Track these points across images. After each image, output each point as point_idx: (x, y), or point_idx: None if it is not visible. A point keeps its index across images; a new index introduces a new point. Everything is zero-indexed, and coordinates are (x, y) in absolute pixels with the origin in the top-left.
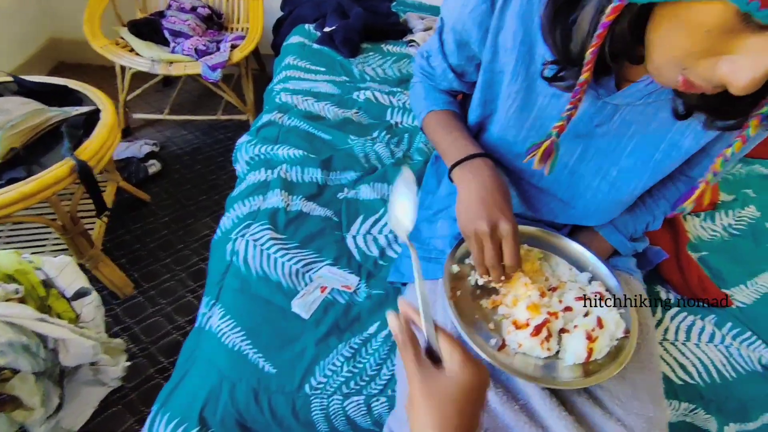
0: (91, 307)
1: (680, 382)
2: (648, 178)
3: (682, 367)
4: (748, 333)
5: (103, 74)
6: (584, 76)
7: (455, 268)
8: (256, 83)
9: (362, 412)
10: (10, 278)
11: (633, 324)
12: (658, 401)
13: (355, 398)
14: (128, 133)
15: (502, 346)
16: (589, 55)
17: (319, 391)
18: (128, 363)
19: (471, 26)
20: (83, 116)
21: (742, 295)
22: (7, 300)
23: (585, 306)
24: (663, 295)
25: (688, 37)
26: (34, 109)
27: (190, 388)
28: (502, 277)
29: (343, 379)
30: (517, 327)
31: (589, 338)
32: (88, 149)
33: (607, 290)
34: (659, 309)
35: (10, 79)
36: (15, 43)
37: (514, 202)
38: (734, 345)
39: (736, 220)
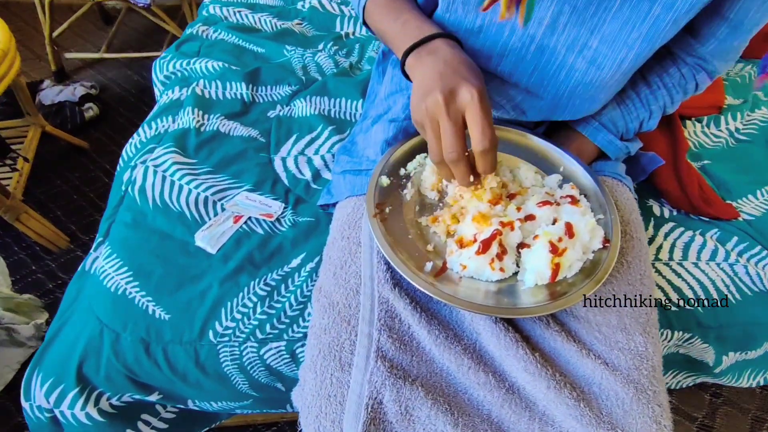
0: None
1: (675, 309)
2: (641, 45)
3: (678, 290)
4: (758, 248)
5: (31, 12)
6: None
7: (385, 180)
8: None
9: (285, 361)
10: None
11: (615, 231)
12: (650, 333)
13: (274, 344)
14: (65, 76)
15: (442, 270)
16: None
17: (226, 338)
18: (42, 321)
19: None
20: None
21: (750, 206)
22: None
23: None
24: (656, 210)
25: None
26: None
27: (66, 343)
28: (471, 179)
29: (256, 323)
30: (462, 246)
31: (554, 251)
32: None
33: (582, 194)
34: (651, 225)
35: None
36: None
37: None
38: (741, 262)
39: (745, 125)
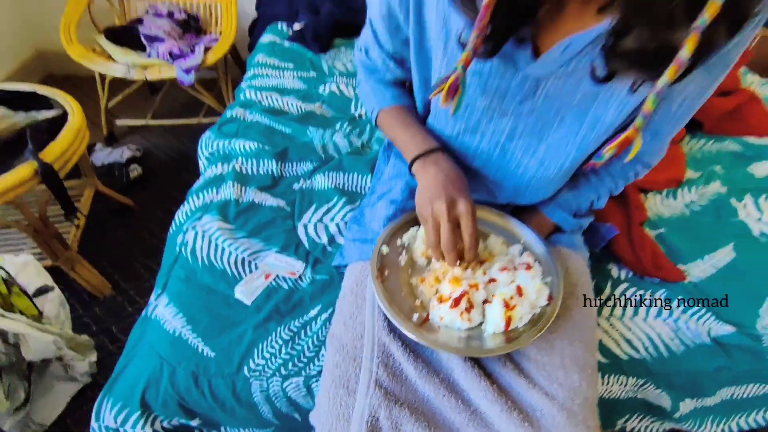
0: (53, 304)
1: (626, 358)
2: (576, 153)
3: (628, 342)
4: (698, 306)
5: (90, 83)
6: (485, 2)
7: (385, 248)
8: (236, 87)
9: (302, 394)
10: None
11: (559, 290)
12: (586, 373)
13: (295, 379)
14: (114, 140)
15: (426, 320)
16: None
17: (257, 373)
18: (95, 359)
19: (395, 8)
20: (48, 120)
21: (697, 270)
22: None
23: (510, 275)
24: (614, 273)
25: None
26: None
27: (133, 374)
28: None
29: (281, 361)
30: (441, 301)
31: (507, 306)
32: (52, 151)
33: (536, 261)
34: (609, 285)
35: None
36: (1, 57)
37: None
38: (683, 319)
39: (699, 197)
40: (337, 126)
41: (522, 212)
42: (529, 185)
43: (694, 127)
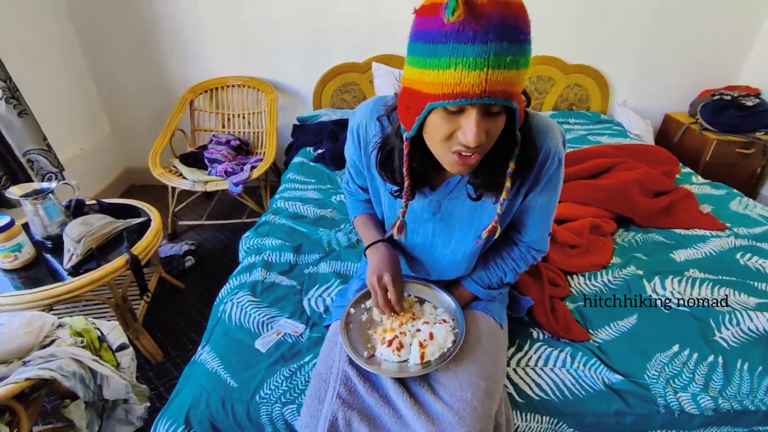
0: (127, 358)
1: (538, 398)
2: (469, 248)
3: (539, 386)
4: (594, 360)
5: (162, 192)
6: (406, 183)
7: (352, 310)
8: (273, 192)
9: (295, 417)
10: (78, 334)
11: (459, 339)
12: (478, 394)
13: (291, 406)
14: (175, 236)
15: (372, 356)
16: (406, 179)
17: (265, 400)
18: (148, 405)
19: (357, 162)
20: (138, 225)
21: (604, 334)
22: (75, 345)
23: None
24: (534, 335)
25: (437, 132)
26: (106, 222)
27: (182, 400)
28: (393, 314)
29: (281, 392)
30: (383, 344)
31: (421, 346)
32: (138, 247)
33: (453, 319)
34: (527, 343)
35: (94, 201)
36: (100, 173)
37: (404, 267)
38: (582, 369)
39: (614, 278)
40: (341, 226)
41: (450, 285)
42: (448, 266)
43: (627, 221)
